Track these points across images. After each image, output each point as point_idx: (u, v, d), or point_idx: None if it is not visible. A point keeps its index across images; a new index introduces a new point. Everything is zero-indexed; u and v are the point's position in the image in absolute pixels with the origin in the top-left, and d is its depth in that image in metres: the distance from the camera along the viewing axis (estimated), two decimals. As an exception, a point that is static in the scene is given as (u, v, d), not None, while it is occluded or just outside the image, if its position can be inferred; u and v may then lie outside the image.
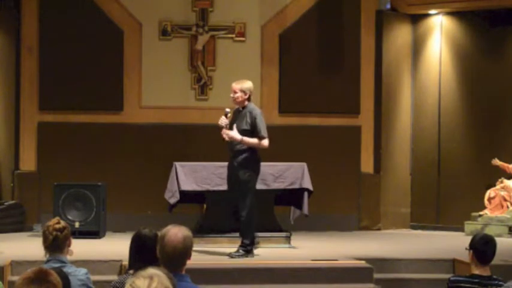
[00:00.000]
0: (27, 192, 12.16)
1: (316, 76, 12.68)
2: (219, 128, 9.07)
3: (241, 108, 9.07)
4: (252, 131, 8.94)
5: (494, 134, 12.71)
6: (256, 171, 9.05)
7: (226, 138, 9.03)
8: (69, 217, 10.74)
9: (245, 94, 8.99)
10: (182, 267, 4.15)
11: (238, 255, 8.97)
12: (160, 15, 12.50)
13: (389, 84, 13.13)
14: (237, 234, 9.30)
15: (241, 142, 8.90)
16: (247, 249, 9.02)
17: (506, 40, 12.74)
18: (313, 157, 11.55)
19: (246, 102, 9.02)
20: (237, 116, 9.08)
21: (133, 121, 12.43)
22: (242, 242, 9.07)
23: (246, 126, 8.94)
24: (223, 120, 8.99)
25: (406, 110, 13.34)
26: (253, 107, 9.07)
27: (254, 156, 9.00)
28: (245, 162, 8.94)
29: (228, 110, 9.07)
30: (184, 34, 12.55)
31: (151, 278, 2.88)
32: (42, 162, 12.27)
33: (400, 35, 13.31)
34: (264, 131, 8.95)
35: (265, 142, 8.97)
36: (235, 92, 9.01)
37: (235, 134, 8.90)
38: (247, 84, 9.05)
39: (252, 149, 8.97)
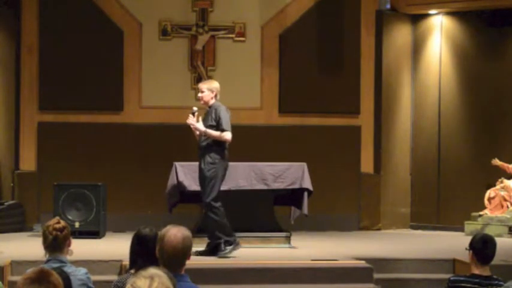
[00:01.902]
0: (27, 192, 12.16)
1: (316, 76, 12.68)
2: (189, 127, 9.11)
3: (208, 108, 9.13)
4: (217, 126, 8.99)
5: (494, 134, 12.70)
6: (222, 166, 9.03)
7: (193, 127, 9.05)
8: (69, 217, 10.73)
9: (212, 92, 9.07)
10: (182, 267, 4.15)
11: (226, 253, 8.93)
12: (160, 15, 12.50)
13: (389, 84, 13.13)
14: (237, 233, 9.27)
15: (204, 134, 8.95)
16: (230, 241, 8.99)
17: (506, 40, 12.74)
18: (313, 157, 11.54)
19: (213, 101, 9.07)
20: (205, 115, 9.15)
21: (133, 121, 12.43)
22: (223, 240, 9.03)
23: (211, 122, 9.02)
24: (190, 119, 9.04)
25: (406, 110, 13.34)
26: (219, 104, 9.12)
27: (219, 153, 9.01)
28: (211, 158, 8.98)
29: (195, 108, 9.14)
30: (184, 34, 12.55)
31: (152, 278, 2.88)
32: (42, 162, 12.26)
33: (400, 35, 13.31)
34: (225, 124, 8.95)
35: (227, 135, 8.96)
36: (202, 91, 9.09)
37: (200, 125, 8.97)
38: (215, 84, 9.18)
39: (217, 145, 8.98)
